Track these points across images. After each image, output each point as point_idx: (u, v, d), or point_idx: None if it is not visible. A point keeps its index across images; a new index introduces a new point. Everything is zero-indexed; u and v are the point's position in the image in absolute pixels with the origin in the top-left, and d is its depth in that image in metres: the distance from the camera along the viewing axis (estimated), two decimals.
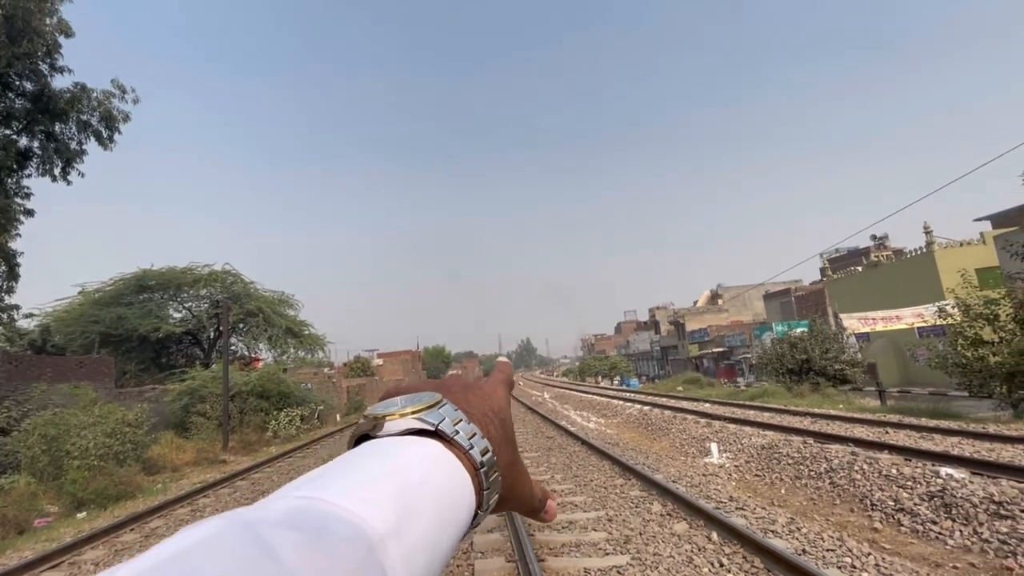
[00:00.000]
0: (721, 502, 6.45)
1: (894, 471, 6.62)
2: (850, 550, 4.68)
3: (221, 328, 20.45)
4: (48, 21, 12.42)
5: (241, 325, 24.76)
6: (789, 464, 8.03)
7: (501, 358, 0.50)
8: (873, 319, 20.33)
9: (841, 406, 14.41)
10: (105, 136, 14.46)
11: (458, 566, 4.92)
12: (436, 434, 0.34)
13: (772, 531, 5.29)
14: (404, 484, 0.29)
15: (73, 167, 14.16)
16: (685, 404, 17.66)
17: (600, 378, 50.52)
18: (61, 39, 13.03)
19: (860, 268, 29.40)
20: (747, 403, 16.40)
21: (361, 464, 0.30)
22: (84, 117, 14.09)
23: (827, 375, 18.38)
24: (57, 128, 13.77)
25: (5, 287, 12.69)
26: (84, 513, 8.77)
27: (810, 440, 8.97)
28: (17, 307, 13.48)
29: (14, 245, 12.54)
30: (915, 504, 5.75)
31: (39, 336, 20.89)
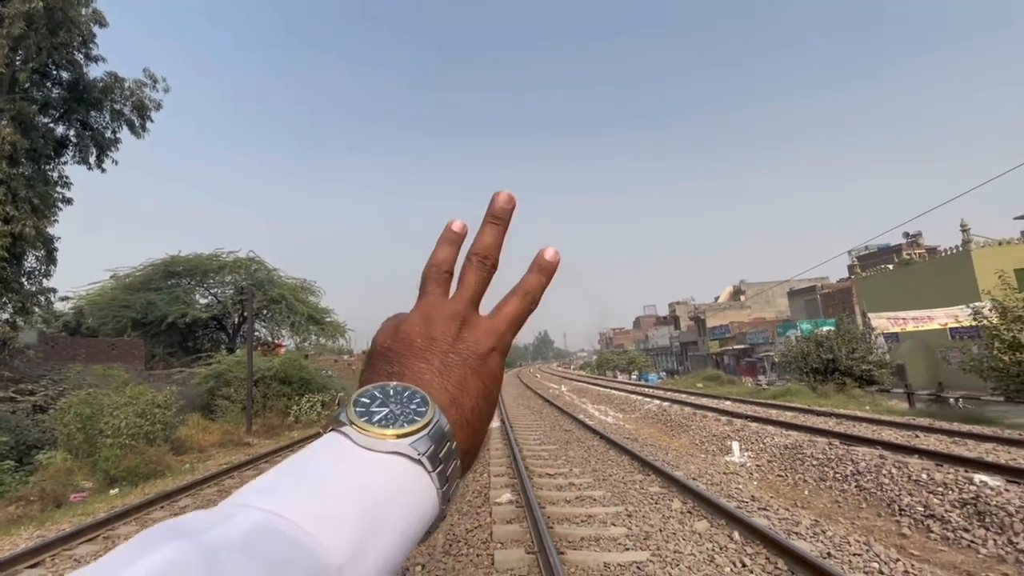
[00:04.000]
0: (743, 501, 6.36)
1: (924, 476, 6.44)
2: (877, 555, 4.57)
3: (245, 314, 20.90)
4: (83, 11, 12.69)
5: (264, 311, 25.25)
6: (813, 465, 7.88)
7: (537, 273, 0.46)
8: (903, 319, 19.70)
9: (867, 408, 14.09)
10: (137, 125, 14.80)
11: (477, 555, 4.96)
12: None
13: (796, 532, 5.20)
14: (370, 504, 0.30)
15: (107, 155, 14.55)
16: (705, 401, 17.45)
17: (618, 372, 50.26)
18: (95, 28, 13.32)
19: (891, 266, 28.53)
20: (769, 402, 16.13)
21: (326, 473, 0.31)
22: (117, 106, 14.42)
23: (853, 375, 17.95)
24: (92, 117, 14.13)
25: (43, 271, 13.10)
26: (116, 490, 9.10)
27: (836, 441, 8.79)
28: (54, 290, 13.91)
29: (52, 231, 12.94)
30: (946, 511, 5.59)
31: (73, 319, 21.69)
